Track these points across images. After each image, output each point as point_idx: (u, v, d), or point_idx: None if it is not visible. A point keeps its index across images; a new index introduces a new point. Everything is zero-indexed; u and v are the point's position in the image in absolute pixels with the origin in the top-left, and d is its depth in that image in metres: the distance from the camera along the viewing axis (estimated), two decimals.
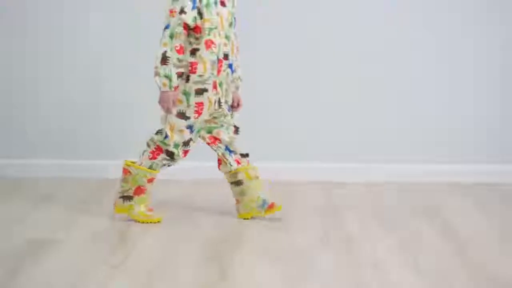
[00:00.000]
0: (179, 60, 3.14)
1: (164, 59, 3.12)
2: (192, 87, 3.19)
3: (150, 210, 3.33)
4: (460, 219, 3.37)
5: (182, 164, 3.93)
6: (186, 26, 3.12)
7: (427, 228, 3.23)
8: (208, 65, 3.18)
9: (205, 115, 3.24)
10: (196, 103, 3.20)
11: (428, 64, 4.07)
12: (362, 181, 4.06)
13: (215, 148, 3.36)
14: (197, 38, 3.15)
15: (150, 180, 3.30)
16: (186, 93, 3.20)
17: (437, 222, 3.31)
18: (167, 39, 3.12)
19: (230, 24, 3.26)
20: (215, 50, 3.17)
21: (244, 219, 3.38)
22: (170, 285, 2.52)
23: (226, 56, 3.24)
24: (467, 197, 3.77)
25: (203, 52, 3.16)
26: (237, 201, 3.41)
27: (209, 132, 3.33)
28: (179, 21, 3.11)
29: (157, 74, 3.14)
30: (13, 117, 4.18)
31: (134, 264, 2.73)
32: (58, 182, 4.02)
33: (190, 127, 3.24)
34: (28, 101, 4.16)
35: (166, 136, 3.22)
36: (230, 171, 3.36)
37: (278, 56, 4.02)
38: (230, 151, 3.36)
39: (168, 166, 3.32)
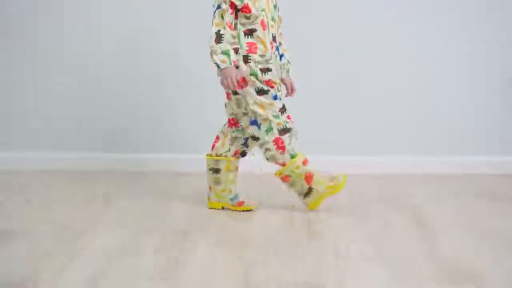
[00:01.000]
0: (233, 36, 3.15)
1: (218, 37, 3.12)
2: (255, 67, 3.18)
3: (331, 179, 3.29)
4: (436, 209, 3.37)
5: (163, 156, 4.06)
6: (234, 6, 3.14)
7: (398, 218, 3.22)
8: (268, 45, 3.20)
9: (277, 89, 3.24)
10: (264, 81, 3.20)
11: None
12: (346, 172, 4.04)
13: (233, 130, 3.32)
14: (247, 18, 3.16)
15: (304, 163, 3.26)
16: (253, 73, 3.18)
17: (410, 213, 3.30)
18: (218, 19, 3.14)
19: (275, 7, 3.28)
20: (268, 30, 3.20)
21: (214, 208, 3.37)
22: (124, 272, 2.53)
23: (274, 38, 3.26)
24: (444, 187, 3.80)
25: (260, 32, 3.18)
26: (210, 188, 3.39)
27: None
28: (226, 0, 3.13)
29: (214, 52, 3.13)
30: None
31: (92, 253, 2.73)
32: (34, 174, 4.03)
33: (275, 97, 3.23)
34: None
35: (259, 127, 3.20)
36: (216, 155, 3.33)
37: None
38: (244, 144, 3.35)
39: (296, 138, 3.28)
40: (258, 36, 3.18)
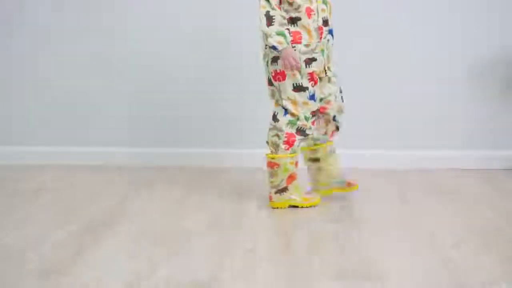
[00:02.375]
0: (283, 17, 3.07)
1: (269, 19, 3.04)
2: (301, 57, 3.11)
3: (308, 193, 3.34)
4: (376, 206, 3.33)
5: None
6: None
7: (326, 214, 3.19)
8: (314, 33, 3.12)
9: (318, 83, 3.20)
10: (308, 73, 3.15)
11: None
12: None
13: (322, 115, 3.29)
14: (290, 4, 3.07)
15: (296, 164, 3.25)
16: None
17: (348, 208, 3.28)
18: (264, 2, 3.05)
19: None
20: (315, 17, 3.12)
21: (326, 195, 3.39)
22: (19, 263, 2.55)
23: (325, 22, 3.18)
24: (398, 182, 3.75)
25: (305, 20, 3.10)
26: (313, 181, 3.40)
27: (319, 101, 3.27)
28: None
29: (268, 36, 3.04)
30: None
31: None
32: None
33: (313, 97, 3.19)
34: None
35: (286, 113, 3.18)
36: (315, 144, 3.33)
37: None
38: (334, 120, 3.31)
39: (304, 142, 3.30)
40: (303, 25, 3.10)
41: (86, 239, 2.84)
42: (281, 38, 3.04)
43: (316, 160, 3.36)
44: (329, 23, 3.21)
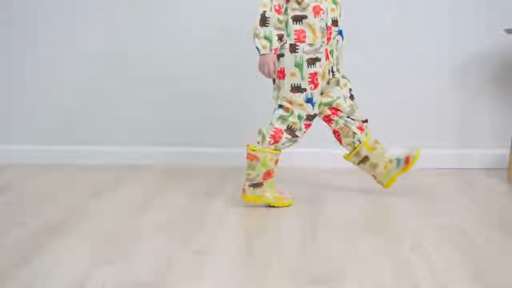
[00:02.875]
0: (280, 21, 3.02)
1: (264, 20, 2.99)
2: (303, 57, 3.06)
3: (281, 193, 3.27)
4: (340, 206, 3.30)
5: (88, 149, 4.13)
6: None
7: (293, 214, 3.16)
8: (318, 33, 3.06)
9: (321, 86, 3.13)
10: (310, 74, 3.09)
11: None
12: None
13: (336, 119, 3.25)
14: (299, 3, 3.03)
15: (276, 162, 3.19)
16: (298, 65, 3.06)
17: (312, 209, 3.24)
18: (267, 0, 3.02)
19: None
20: (323, 16, 3.06)
21: (392, 183, 3.38)
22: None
23: (335, 23, 3.13)
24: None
25: (311, 19, 3.04)
26: (374, 177, 3.38)
27: (329, 104, 3.23)
28: None
29: (256, 35, 3.01)
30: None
31: None
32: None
33: (310, 101, 3.12)
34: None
35: (280, 106, 3.13)
36: (354, 149, 3.29)
37: None
38: (352, 119, 3.26)
39: (291, 145, 3.23)
40: (308, 24, 3.04)
41: (39, 241, 2.83)
42: (267, 43, 3.01)
43: (366, 159, 3.31)
44: (339, 23, 3.17)
